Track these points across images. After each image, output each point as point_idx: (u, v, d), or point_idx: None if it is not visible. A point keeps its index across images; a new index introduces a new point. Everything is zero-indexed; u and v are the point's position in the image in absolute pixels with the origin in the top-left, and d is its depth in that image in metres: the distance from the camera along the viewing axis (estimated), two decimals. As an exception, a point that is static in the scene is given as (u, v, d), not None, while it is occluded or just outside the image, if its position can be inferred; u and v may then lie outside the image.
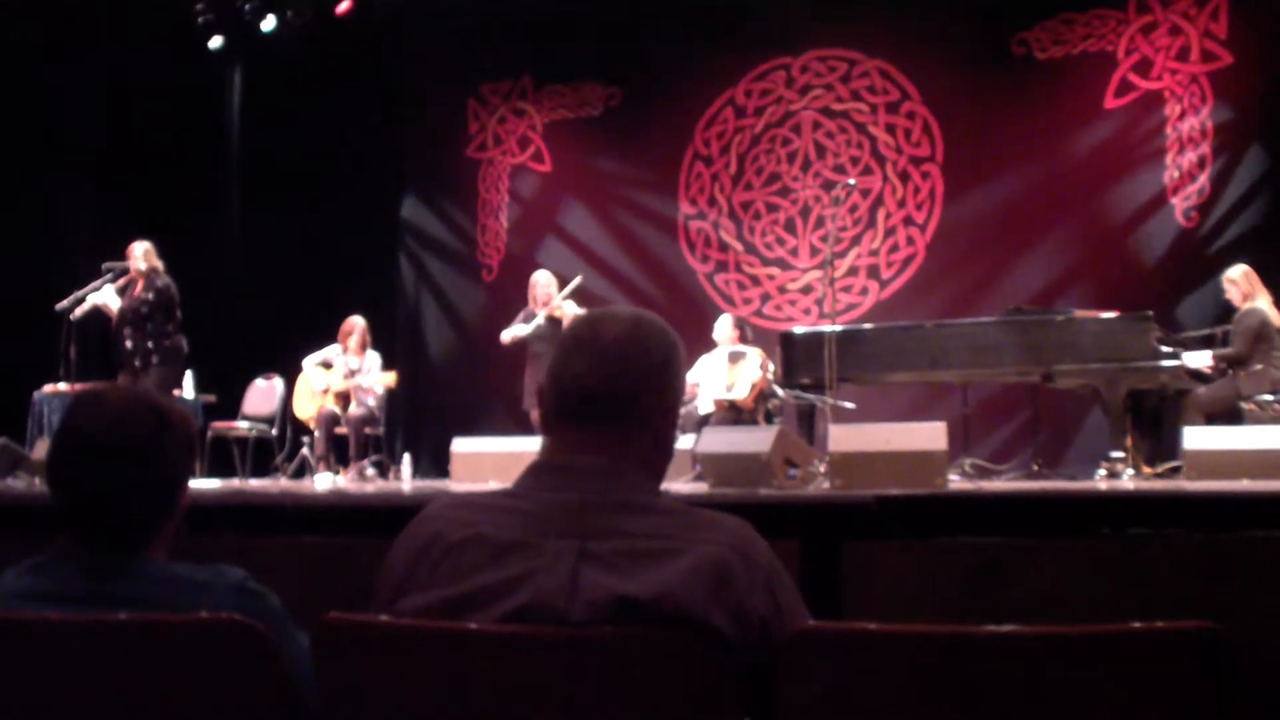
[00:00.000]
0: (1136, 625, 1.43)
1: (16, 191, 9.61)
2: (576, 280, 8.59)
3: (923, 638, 1.48)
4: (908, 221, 10.08)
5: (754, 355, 8.50)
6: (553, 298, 8.37)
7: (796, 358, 7.40)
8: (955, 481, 5.68)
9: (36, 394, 8.43)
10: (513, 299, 9.74)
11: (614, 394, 1.75)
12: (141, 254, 8.05)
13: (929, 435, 4.74)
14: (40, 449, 6.35)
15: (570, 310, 8.19)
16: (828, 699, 1.51)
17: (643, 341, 1.78)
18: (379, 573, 1.74)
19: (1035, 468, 7.49)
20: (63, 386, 8.24)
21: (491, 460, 6.30)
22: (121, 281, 8.08)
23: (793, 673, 1.52)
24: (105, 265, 8.14)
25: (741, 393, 8.31)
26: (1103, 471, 6.51)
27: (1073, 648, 1.44)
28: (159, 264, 8.11)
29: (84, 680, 1.74)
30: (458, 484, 6.26)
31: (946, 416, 5.41)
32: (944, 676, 1.47)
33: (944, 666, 1.47)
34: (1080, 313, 7.14)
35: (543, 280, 8.54)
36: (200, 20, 10.94)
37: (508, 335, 8.46)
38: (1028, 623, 1.45)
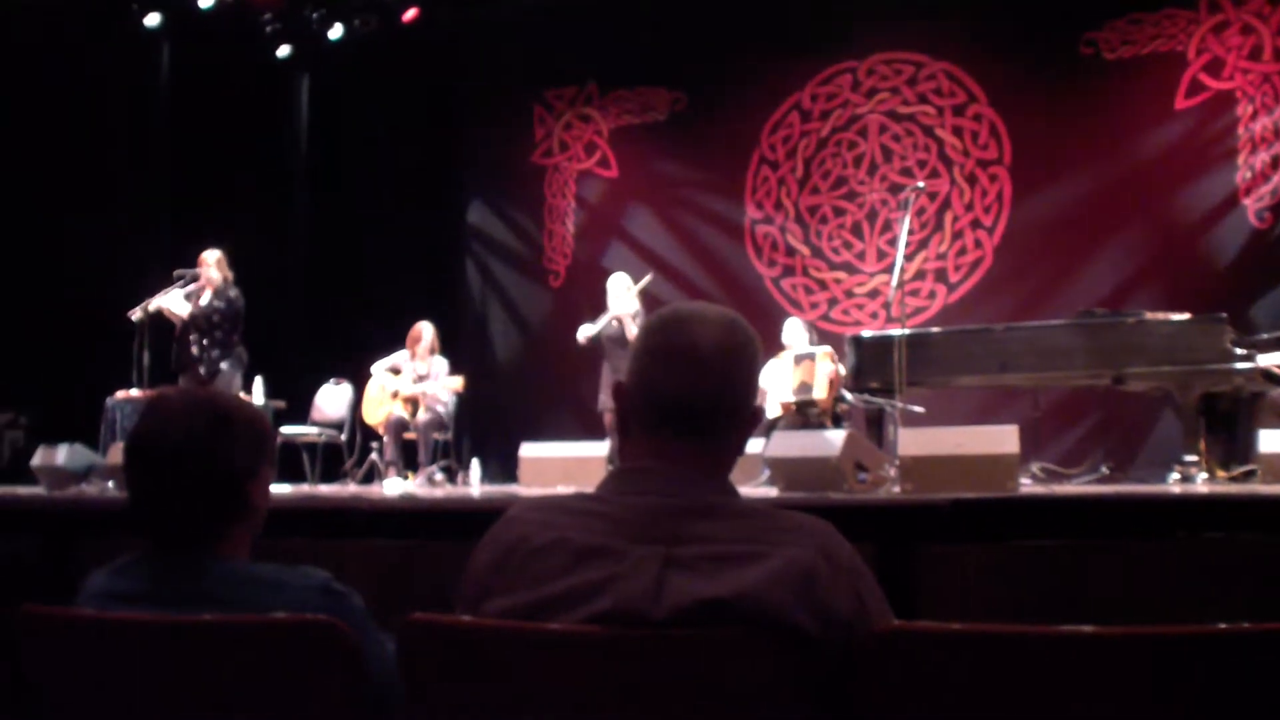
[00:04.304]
0: (1223, 626, 1.42)
1: (90, 201, 9.76)
2: (647, 278, 8.61)
3: (1006, 637, 1.48)
4: (975, 224, 10.01)
5: (821, 352, 8.45)
6: (622, 298, 8.38)
7: (865, 362, 7.35)
8: (1026, 485, 5.63)
9: (109, 400, 8.52)
10: (579, 304, 9.79)
11: (712, 406, 1.73)
12: (214, 262, 8.14)
13: (1000, 438, 4.69)
14: (113, 454, 6.43)
15: (629, 310, 8.21)
16: (912, 698, 1.51)
17: (738, 350, 1.75)
18: (463, 574, 1.74)
19: (1106, 471, 7.40)
20: (135, 393, 8.32)
21: (559, 465, 6.30)
22: (191, 288, 8.19)
23: (878, 672, 1.52)
24: (177, 273, 8.24)
25: (821, 391, 8.26)
26: (1176, 475, 6.42)
27: (1160, 648, 1.44)
28: (229, 273, 8.21)
29: (170, 680, 1.75)
30: (526, 488, 6.27)
31: (1016, 420, 5.35)
32: (1028, 676, 1.47)
33: (1028, 666, 1.47)
34: (1151, 315, 7.04)
35: (617, 284, 8.53)
36: (268, 30, 11.08)
37: (583, 335, 8.49)
38: (1103, 626, 1.44)
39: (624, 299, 8.39)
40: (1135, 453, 8.54)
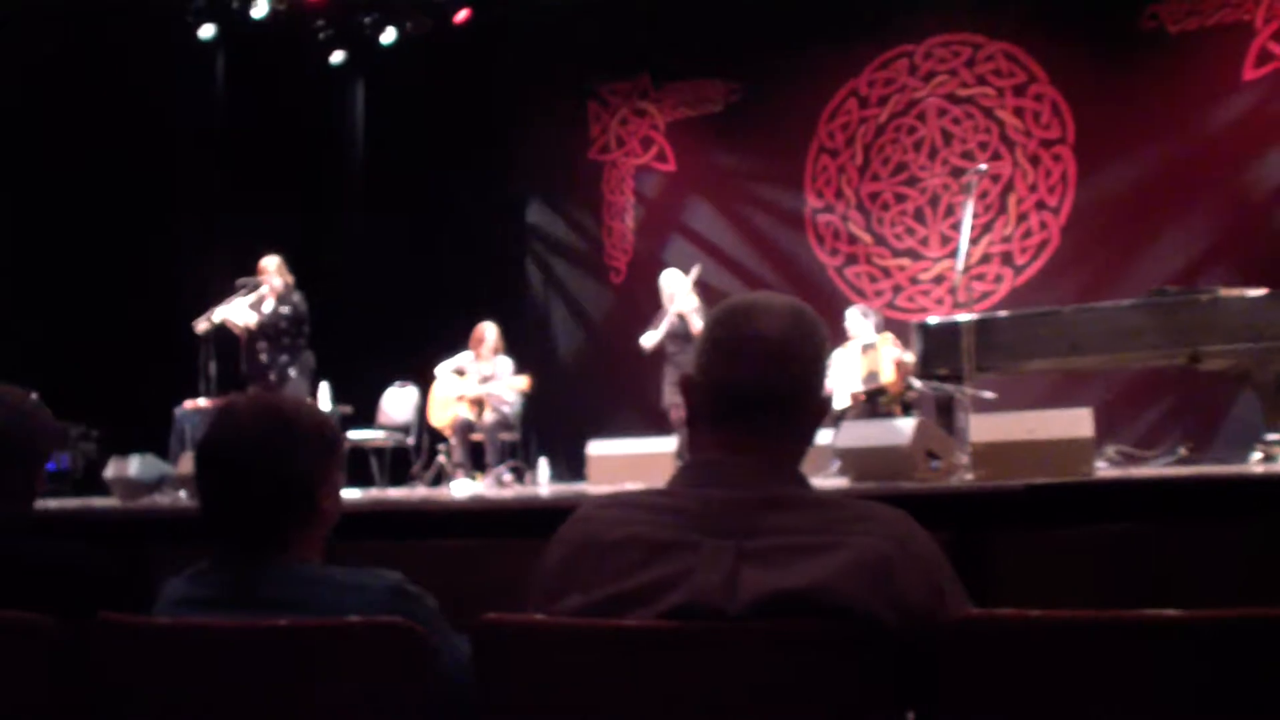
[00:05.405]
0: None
1: (151, 214, 9.88)
2: (695, 270, 8.59)
3: (1088, 623, 1.46)
4: (1040, 206, 9.87)
5: (884, 339, 8.42)
6: (682, 295, 8.37)
7: (932, 348, 7.26)
8: (1102, 469, 5.55)
9: (177, 410, 8.60)
10: (641, 300, 9.76)
11: (778, 395, 1.72)
12: (274, 269, 8.18)
13: (1074, 422, 4.63)
14: (184, 463, 6.50)
15: (688, 306, 8.20)
16: (993, 687, 1.50)
17: (802, 339, 1.75)
18: (534, 573, 1.74)
19: (1184, 452, 7.27)
20: (202, 402, 8.38)
21: (627, 462, 6.30)
22: (254, 296, 8.24)
23: (956, 661, 1.51)
24: (239, 281, 8.27)
25: (889, 376, 8.20)
26: (1258, 454, 6.28)
27: (1246, 631, 1.41)
28: (290, 278, 8.26)
29: (245, 684, 1.77)
30: (595, 486, 6.27)
31: (1089, 403, 5.27)
32: (1111, 662, 1.45)
33: (1110, 652, 1.45)
34: (1226, 291, 6.89)
35: (666, 281, 8.54)
36: (321, 36, 11.15)
37: (647, 341, 8.48)
38: (1186, 609, 1.42)
39: (682, 295, 8.36)
40: (1214, 433, 8.37)
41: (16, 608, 1.92)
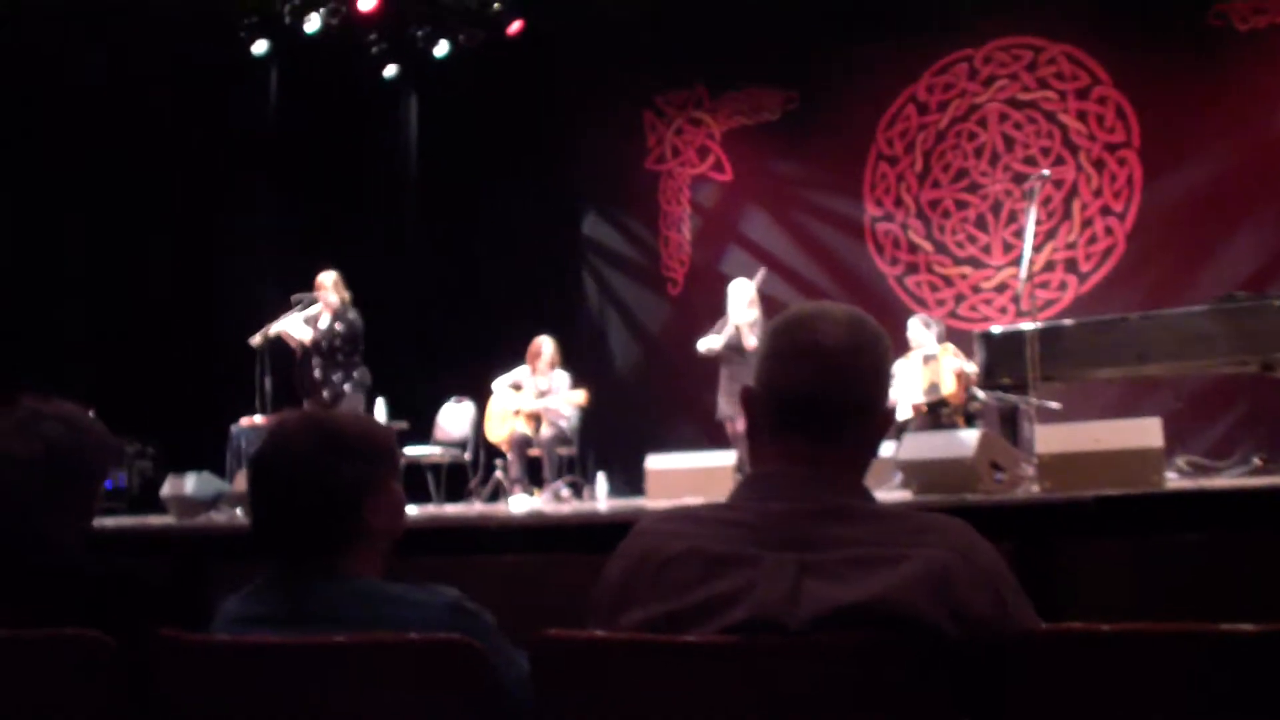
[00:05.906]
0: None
1: (204, 231, 9.97)
2: (759, 275, 8.54)
3: (1159, 637, 1.44)
4: (1105, 211, 9.73)
5: (944, 349, 8.35)
6: (741, 307, 8.31)
7: (996, 358, 7.18)
8: (1172, 480, 5.45)
9: (234, 427, 8.62)
10: (698, 311, 9.71)
11: (838, 404, 1.71)
12: (331, 284, 8.17)
13: (1143, 432, 4.58)
14: (240, 480, 6.51)
15: (744, 319, 8.13)
16: (1060, 702, 1.48)
17: (862, 349, 1.73)
18: (595, 589, 1.74)
19: (1258, 463, 7.14)
20: (259, 419, 8.39)
21: (686, 476, 6.25)
22: (310, 312, 8.25)
23: (1021, 675, 1.49)
24: (295, 297, 8.30)
25: (950, 387, 8.12)
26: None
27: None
28: (347, 295, 8.24)
29: (304, 701, 1.76)
30: (653, 501, 6.23)
31: (1157, 412, 5.20)
32: (1179, 677, 1.42)
33: (1182, 667, 1.42)
34: (1299, 296, 6.78)
35: (738, 290, 8.47)
36: (374, 51, 11.19)
37: (702, 345, 8.43)
38: (1260, 623, 1.39)
39: (740, 307, 8.29)
40: (1288, 443, 8.23)
41: (74, 624, 1.91)
